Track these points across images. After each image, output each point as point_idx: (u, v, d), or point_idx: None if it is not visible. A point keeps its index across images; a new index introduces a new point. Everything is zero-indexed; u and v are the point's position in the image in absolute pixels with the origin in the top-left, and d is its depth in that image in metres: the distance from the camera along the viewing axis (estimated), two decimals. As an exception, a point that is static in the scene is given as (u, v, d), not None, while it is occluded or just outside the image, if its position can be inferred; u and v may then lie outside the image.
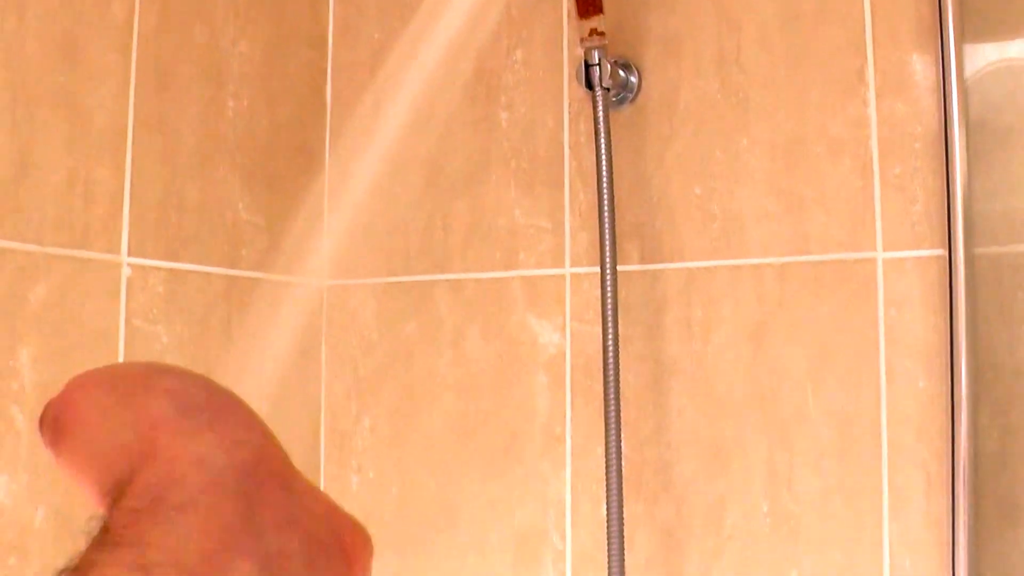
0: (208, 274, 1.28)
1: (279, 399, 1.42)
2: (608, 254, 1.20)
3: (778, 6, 1.24)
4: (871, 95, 1.19)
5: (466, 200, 1.35)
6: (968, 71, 1.14)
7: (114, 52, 1.18)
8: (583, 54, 1.23)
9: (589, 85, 1.23)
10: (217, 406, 0.27)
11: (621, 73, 1.28)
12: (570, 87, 1.31)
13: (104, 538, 0.24)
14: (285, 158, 1.38)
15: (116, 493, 0.25)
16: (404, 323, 1.37)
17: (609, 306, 1.20)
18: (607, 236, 1.21)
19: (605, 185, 1.21)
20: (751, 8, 1.25)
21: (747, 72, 1.24)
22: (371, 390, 1.39)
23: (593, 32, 1.22)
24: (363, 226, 1.41)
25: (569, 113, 1.32)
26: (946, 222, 1.13)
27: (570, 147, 1.31)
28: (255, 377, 1.35)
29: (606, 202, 1.21)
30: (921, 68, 1.17)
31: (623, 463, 1.21)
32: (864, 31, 1.20)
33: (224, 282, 1.30)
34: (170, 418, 0.26)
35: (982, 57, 1.15)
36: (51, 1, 1.12)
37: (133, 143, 1.19)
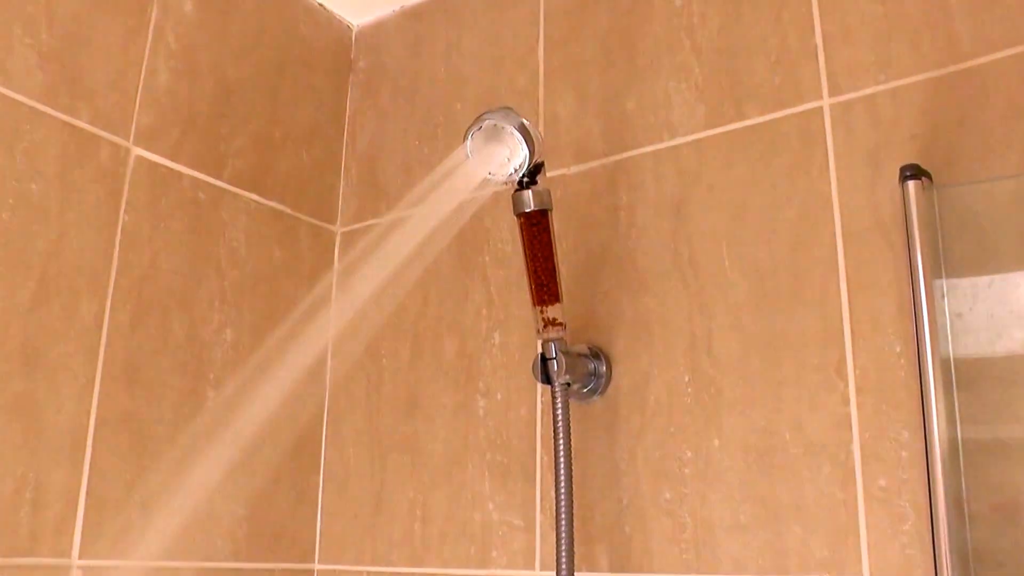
0: (178, 569, 1.24)
1: None
2: (564, 564, 1.09)
3: (751, 288, 1.12)
4: (851, 392, 1.04)
5: (444, 490, 1.27)
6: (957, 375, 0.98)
7: (80, 354, 1.18)
8: (540, 346, 1.14)
9: (547, 379, 1.13)
10: None
11: (590, 364, 1.18)
12: (540, 376, 1.22)
13: None
14: (280, 448, 1.35)
15: None
16: (385, 619, 1.29)
17: (566, 625, 1.08)
18: (563, 544, 1.09)
19: (563, 490, 1.10)
20: (723, 291, 1.13)
21: (719, 362, 1.12)
22: None
23: (548, 323, 1.13)
24: (353, 514, 1.36)
25: (542, 403, 1.23)
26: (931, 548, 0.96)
27: (542, 440, 1.22)
28: None
29: (563, 508, 1.10)
30: (906, 363, 1.02)
31: None
32: (841, 318, 1.06)
33: None
34: None
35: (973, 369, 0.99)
36: (17, 309, 1.13)
37: (94, 442, 1.18)
